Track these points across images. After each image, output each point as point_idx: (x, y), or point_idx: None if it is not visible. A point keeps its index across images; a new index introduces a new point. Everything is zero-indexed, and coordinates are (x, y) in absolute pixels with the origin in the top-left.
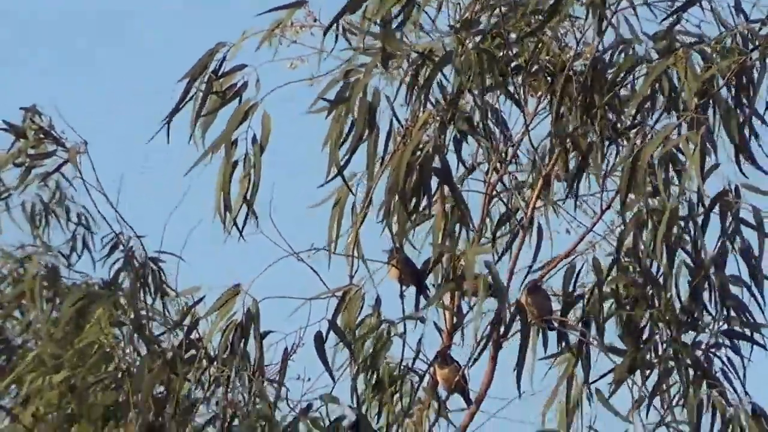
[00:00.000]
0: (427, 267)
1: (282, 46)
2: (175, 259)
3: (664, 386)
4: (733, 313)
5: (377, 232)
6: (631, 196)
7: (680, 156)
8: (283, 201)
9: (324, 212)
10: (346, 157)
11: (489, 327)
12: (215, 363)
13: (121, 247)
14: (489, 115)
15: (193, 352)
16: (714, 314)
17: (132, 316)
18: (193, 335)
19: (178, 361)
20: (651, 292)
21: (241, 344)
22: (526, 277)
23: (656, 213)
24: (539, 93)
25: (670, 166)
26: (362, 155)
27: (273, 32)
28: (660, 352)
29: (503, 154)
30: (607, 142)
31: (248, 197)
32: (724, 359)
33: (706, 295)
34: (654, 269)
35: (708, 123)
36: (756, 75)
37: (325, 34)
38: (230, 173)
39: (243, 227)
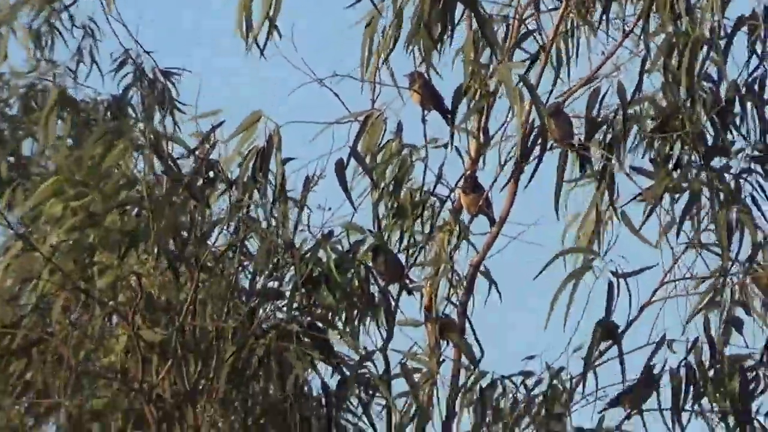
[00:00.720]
0: (461, 89)
1: None
2: (195, 83)
3: (694, 210)
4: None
5: (401, 60)
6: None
7: None
8: (307, 27)
9: (347, 39)
10: None
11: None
12: (235, 187)
13: (131, 62)
14: None
15: (211, 174)
16: (746, 139)
17: (150, 136)
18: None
19: (198, 186)
20: (680, 116)
21: (262, 169)
22: (547, 100)
23: (684, 37)
24: None
25: None
26: None
27: None
28: (689, 177)
29: None
30: None
31: (271, 14)
32: (754, 184)
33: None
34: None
35: None
36: None
37: None
38: None
39: (264, 45)
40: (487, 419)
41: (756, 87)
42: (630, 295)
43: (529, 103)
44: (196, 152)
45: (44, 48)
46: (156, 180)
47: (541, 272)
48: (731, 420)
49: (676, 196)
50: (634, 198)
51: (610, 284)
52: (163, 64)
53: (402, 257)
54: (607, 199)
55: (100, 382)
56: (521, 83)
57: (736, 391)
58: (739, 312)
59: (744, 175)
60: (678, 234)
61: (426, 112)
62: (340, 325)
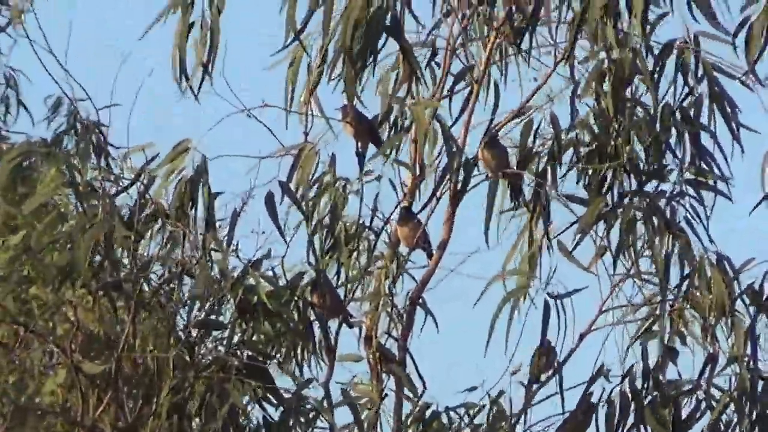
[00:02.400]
0: (376, 121)
1: None
2: (126, 121)
3: (630, 238)
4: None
5: (332, 92)
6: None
7: None
8: (239, 64)
9: (280, 74)
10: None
11: (447, 181)
12: (169, 220)
13: (65, 106)
14: None
15: (147, 212)
16: (680, 162)
17: (84, 176)
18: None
19: (134, 220)
20: (613, 143)
21: (191, 202)
22: (486, 132)
23: (615, 64)
24: None
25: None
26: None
27: None
28: (624, 203)
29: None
30: None
31: (206, 61)
32: (688, 208)
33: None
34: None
35: None
36: None
37: None
38: (186, 35)
39: (198, 90)
40: None
41: (691, 111)
42: (566, 317)
43: (462, 135)
44: (131, 189)
45: None
46: (92, 215)
47: (479, 298)
48: None
49: (611, 222)
50: (570, 226)
51: (546, 304)
52: (93, 92)
53: (340, 292)
54: (542, 227)
55: (41, 418)
56: (436, 122)
57: (670, 416)
58: (677, 343)
59: (677, 199)
60: (615, 263)
61: (359, 144)
62: (280, 358)
